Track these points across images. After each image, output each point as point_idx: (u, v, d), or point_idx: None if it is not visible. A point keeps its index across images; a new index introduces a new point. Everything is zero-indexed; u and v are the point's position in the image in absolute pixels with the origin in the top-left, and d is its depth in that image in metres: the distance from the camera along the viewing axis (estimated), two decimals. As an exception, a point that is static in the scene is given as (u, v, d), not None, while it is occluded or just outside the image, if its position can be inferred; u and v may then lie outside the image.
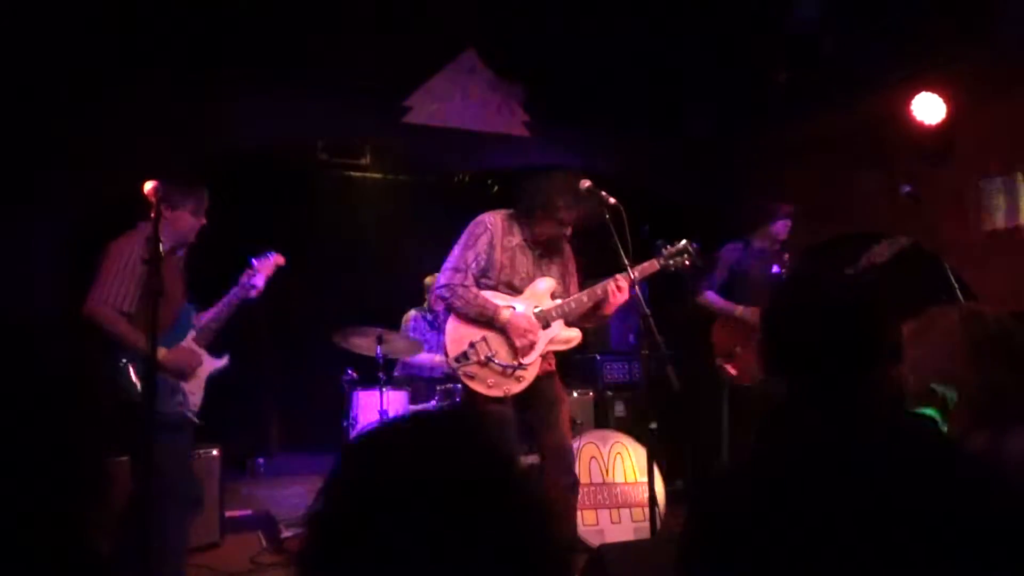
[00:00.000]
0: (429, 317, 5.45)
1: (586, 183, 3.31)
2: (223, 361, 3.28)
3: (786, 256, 4.57)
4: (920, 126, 4.59)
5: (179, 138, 4.64)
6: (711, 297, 4.58)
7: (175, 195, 3.09)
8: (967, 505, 1.07)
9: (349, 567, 0.71)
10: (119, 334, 2.89)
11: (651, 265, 3.48)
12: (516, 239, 3.45)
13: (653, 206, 4.95)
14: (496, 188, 6.33)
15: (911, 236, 3.95)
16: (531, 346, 3.34)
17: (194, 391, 3.12)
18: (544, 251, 3.51)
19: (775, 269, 4.53)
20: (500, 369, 3.33)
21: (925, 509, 1.05)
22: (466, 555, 0.70)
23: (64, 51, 4.21)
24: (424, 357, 5.18)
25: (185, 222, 3.17)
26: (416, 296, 5.53)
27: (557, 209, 3.31)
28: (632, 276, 3.28)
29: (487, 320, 3.33)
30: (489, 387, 3.32)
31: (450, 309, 3.42)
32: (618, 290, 3.34)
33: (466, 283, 3.37)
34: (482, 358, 3.32)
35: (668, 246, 3.50)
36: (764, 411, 1.39)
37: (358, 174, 5.95)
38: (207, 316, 3.25)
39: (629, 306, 5.78)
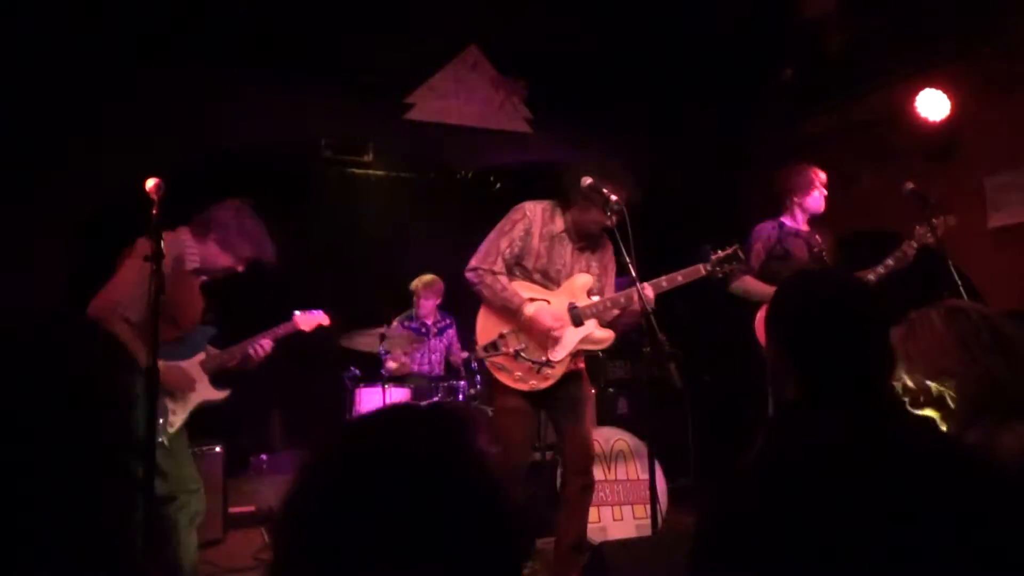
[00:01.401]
0: (414, 325, 5.40)
1: (587, 180, 3.25)
2: (221, 394, 3.12)
3: (818, 237, 4.08)
4: (925, 123, 4.56)
5: (180, 138, 4.64)
6: (751, 283, 3.96)
7: (233, 234, 2.99)
8: (983, 504, 1.07)
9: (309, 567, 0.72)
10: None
11: (695, 271, 3.26)
12: (557, 228, 3.34)
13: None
14: (498, 185, 6.32)
15: (926, 231, 3.82)
16: (556, 342, 3.24)
17: (176, 411, 2.96)
18: (585, 244, 3.39)
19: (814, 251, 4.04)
20: (529, 364, 3.22)
21: (942, 509, 1.05)
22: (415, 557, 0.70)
23: (64, 51, 4.21)
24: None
25: (222, 261, 3.02)
26: (406, 301, 5.51)
27: (602, 194, 3.10)
28: (634, 274, 3.05)
29: (511, 313, 3.23)
30: (516, 380, 3.23)
31: (478, 296, 3.31)
32: (647, 300, 3.04)
33: (495, 268, 3.27)
34: (511, 351, 3.19)
35: (717, 251, 3.29)
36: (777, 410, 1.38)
37: (361, 171, 5.94)
38: (223, 351, 3.14)
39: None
